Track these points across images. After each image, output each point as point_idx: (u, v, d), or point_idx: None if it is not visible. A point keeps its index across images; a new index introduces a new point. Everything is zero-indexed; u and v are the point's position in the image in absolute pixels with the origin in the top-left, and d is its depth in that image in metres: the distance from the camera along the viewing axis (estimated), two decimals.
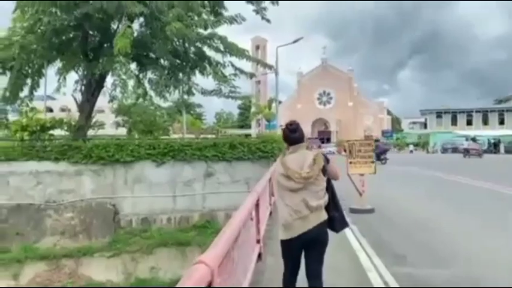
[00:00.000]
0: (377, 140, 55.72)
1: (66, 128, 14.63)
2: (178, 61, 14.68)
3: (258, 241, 4.28)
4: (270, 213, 6.91)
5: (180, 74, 15.09)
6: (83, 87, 14.69)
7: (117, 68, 10.70)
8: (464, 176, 17.55)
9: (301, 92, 78.24)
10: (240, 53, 13.53)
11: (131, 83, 11.22)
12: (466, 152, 38.37)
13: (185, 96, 15.81)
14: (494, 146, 44.75)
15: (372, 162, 8.66)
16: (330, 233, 3.35)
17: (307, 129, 72.07)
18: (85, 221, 12.57)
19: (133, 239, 12.52)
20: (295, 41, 24.58)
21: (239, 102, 64.42)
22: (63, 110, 53.08)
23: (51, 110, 51.44)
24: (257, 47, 73.47)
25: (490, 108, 65.54)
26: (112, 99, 11.92)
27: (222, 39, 13.32)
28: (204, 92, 14.50)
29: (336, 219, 3.31)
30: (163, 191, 13.17)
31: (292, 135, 3.33)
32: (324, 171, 3.23)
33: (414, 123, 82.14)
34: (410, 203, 11.14)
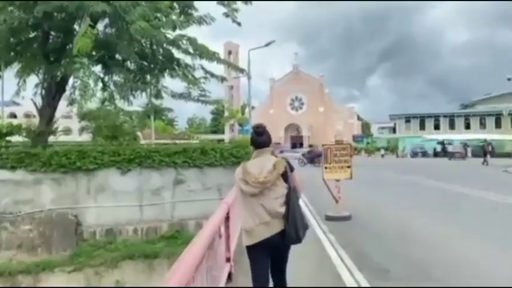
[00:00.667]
0: (311, 146, 56.38)
1: (25, 134, 13.73)
2: (145, 63, 14.05)
3: (228, 259, 3.80)
4: None
5: (148, 77, 14.46)
6: (43, 91, 13.82)
7: (77, 69, 9.97)
8: (440, 181, 17.53)
9: (273, 97, 78.40)
10: (210, 55, 13.04)
11: (94, 85, 10.45)
12: (451, 155, 42.19)
13: (154, 100, 15.19)
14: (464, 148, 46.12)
15: (348, 167, 8.32)
16: (310, 246, 2.98)
17: (280, 135, 72.15)
18: (44, 233, 11.71)
19: (97, 252, 11.73)
20: (267, 44, 24.30)
21: (212, 107, 63.64)
22: (27, 116, 50.84)
23: (15, 116, 49.12)
24: (229, 52, 72.93)
25: (457, 113, 67.41)
26: (71, 102, 11.14)
27: (192, 41, 12.80)
28: (173, 95, 13.90)
29: (287, 233, 3.10)
30: (129, 200, 12.46)
31: (259, 138, 3.30)
32: (286, 178, 3.16)
33: (383, 128, 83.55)
34: (388, 209, 10.89)
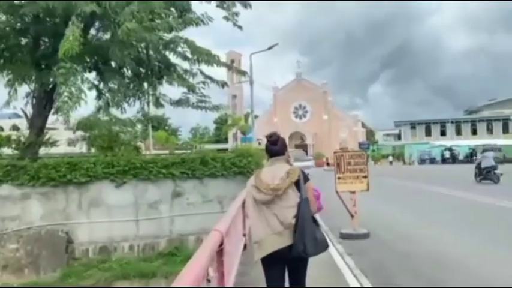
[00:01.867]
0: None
1: (14, 146, 12.93)
2: (142, 69, 13.29)
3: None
4: (245, 246, 5.51)
5: (145, 84, 13.68)
6: (34, 100, 13.05)
7: (62, 74, 9.16)
8: (458, 190, 16.27)
9: (277, 106, 77.68)
10: (209, 58, 12.23)
11: (79, 92, 9.61)
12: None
13: (155, 109, 14.41)
14: (470, 156, 44.94)
15: (365, 177, 7.40)
16: (324, 271, 2.28)
17: None
18: (32, 252, 10.84)
19: (89, 272, 10.81)
20: (269, 48, 23.56)
21: (215, 116, 62.83)
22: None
23: (17, 129, 48.33)
24: (232, 61, 72.39)
25: (463, 119, 66.50)
26: (57, 110, 10.34)
27: (189, 43, 12.01)
28: (172, 103, 13.09)
29: (293, 245, 2.94)
30: (124, 215, 11.59)
31: (273, 147, 3.27)
32: (299, 187, 3.05)
33: (388, 135, 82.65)
34: (409, 223, 9.70)
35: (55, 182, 11.08)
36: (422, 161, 51.45)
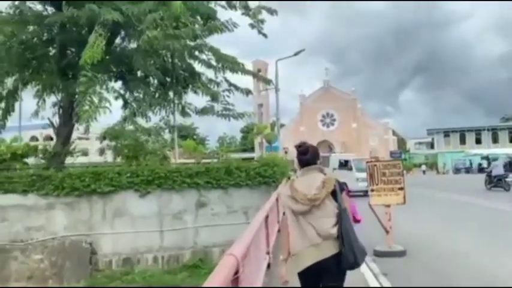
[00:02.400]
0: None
1: (41, 155, 13.00)
2: (167, 78, 13.17)
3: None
4: (268, 265, 5.05)
5: (171, 93, 13.54)
6: (60, 110, 13.13)
7: (82, 83, 9.05)
8: (504, 202, 15.16)
9: (303, 114, 76.84)
10: (235, 66, 11.95)
11: (113, 101, 9.53)
12: None
13: (180, 117, 14.26)
14: (509, 165, 42.66)
15: (401, 188, 6.80)
16: None
17: None
18: (56, 263, 10.74)
19: (113, 284, 10.61)
20: (296, 54, 23.14)
21: (242, 125, 62.70)
22: None
23: (51, 138, 49.67)
24: (258, 70, 72.51)
25: (500, 126, 63.76)
26: (77, 119, 10.27)
27: (214, 50, 11.77)
28: (197, 112, 12.87)
29: (343, 256, 2.88)
30: (148, 225, 11.35)
31: (303, 157, 3.21)
32: (335, 197, 3.00)
33: (420, 143, 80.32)
34: (451, 240, 8.87)
35: (79, 192, 10.97)
36: (457, 170, 49.42)
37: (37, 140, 49.66)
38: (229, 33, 12.03)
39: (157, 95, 12.49)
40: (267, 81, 12.88)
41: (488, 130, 62.54)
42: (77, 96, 12.22)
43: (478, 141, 62.45)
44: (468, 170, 48.55)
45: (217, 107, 12.35)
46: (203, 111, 12.56)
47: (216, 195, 11.87)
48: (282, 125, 68.78)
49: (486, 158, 48.28)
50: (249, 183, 11.91)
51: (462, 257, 7.14)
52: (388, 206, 6.91)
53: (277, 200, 7.75)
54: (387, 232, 6.91)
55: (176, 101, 13.09)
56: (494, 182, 20.43)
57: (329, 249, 2.90)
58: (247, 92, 12.78)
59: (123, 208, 11.34)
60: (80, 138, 13.43)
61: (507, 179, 20.16)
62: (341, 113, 75.39)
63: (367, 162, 7.13)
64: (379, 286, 3.88)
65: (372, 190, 6.88)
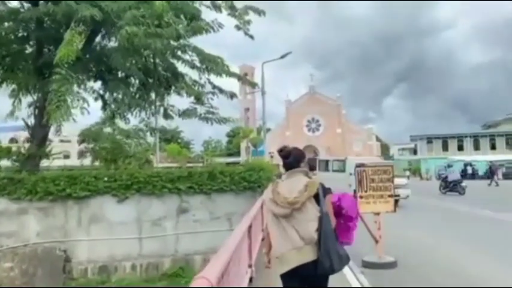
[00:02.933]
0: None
1: (14, 157, 12.38)
2: (149, 79, 12.72)
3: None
4: (250, 279, 4.68)
5: (152, 95, 13.09)
6: (36, 110, 12.54)
7: (56, 81, 8.55)
8: (489, 209, 15.09)
9: (289, 119, 76.97)
10: (219, 67, 11.57)
11: (92, 102, 9.03)
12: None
13: (163, 120, 13.80)
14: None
15: (391, 195, 6.50)
16: None
17: None
18: (27, 271, 10.15)
19: None
20: (282, 56, 22.83)
21: (228, 129, 62.14)
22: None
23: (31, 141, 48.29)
24: (245, 74, 72.36)
25: (481, 133, 64.71)
26: (47, 119, 9.72)
27: (198, 51, 11.38)
28: (179, 114, 12.44)
29: (319, 262, 2.86)
30: (126, 232, 10.87)
31: (285, 160, 3.24)
32: (318, 201, 2.99)
33: (403, 149, 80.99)
34: (443, 250, 8.56)
35: (53, 197, 10.43)
36: (440, 176, 49.74)
37: (16, 142, 48.32)
38: (216, 38, 11.73)
39: (137, 96, 12.00)
40: (253, 84, 12.51)
41: (470, 137, 63.44)
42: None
43: (460, 148, 63.29)
44: None
45: (201, 109, 11.96)
46: (185, 114, 12.13)
47: (198, 201, 11.46)
48: (268, 130, 68.70)
49: (469, 164, 48.78)
50: (234, 189, 11.55)
51: (461, 269, 6.78)
52: (378, 214, 6.60)
53: (262, 206, 7.53)
54: (377, 242, 6.59)
55: (158, 103, 12.65)
56: (450, 187, 22.28)
57: (310, 254, 2.89)
58: (232, 95, 12.41)
59: (99, 214, 10.83)
60: (62, 141, 12.85)
61: (462, 184, 21.94)
62: (326, 118, 75.82)
63: (357, 167, 6.77)
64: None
65: (361, 197, 6.52)
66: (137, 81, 12.92)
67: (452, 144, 64.16)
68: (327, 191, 3.09)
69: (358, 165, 6.62)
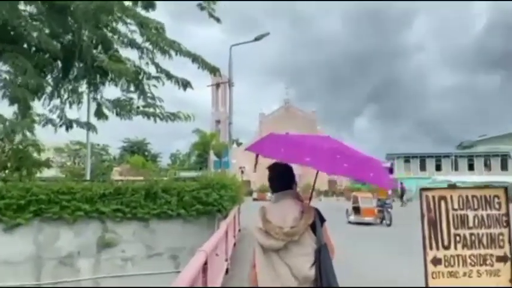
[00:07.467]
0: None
1: None
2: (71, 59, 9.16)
3: None
4: None
5: (84, 84, 9.55)
6: None
7: None
8: None
9: (263, 133, 74.02)
10: (167, 43, 8.25)
11: None
12: None
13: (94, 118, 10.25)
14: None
15: (504, 258, 3.17)
16: None
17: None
18: None
19: None
20: (256, 39, 19.58)
21: (194, 139, 58.15)
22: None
23: None
24: (217, 86, 69.60)
25: (459, 154, 63.83)
26: None
27: (139, 17, 8.03)
28: (107, 107, 8.97)
29: None
30: (16, 276, 7.31)
31: (275, 181, 2.65)
32: (314, 230, 2.46)
33: None
34: None
35: None
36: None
37: None
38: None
39: (51, 78, 8.47)
40: (214, 70, 9.27)
41: (448, 157, 62.54)
42: None
43: (438, 167, 62.14)
44: None
45: (138, 102, 8.55)
46: (116, 104, 8.68)
47: (130, 231, 8.08)
48: (239, 144, 65.57)
49: (453, 186, 46.87)
50: (182, 213, 8.25)
51: None
52: None
53: (226, 233, 5.86)
54: None
55: (85, 90, 9.14)
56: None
57: None
58: (185, 85, 8.98)
59: None
60: None
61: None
62: (301, 133, 73.81)
63: (422, 190, 3.55)
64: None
65: (436, 261, 3.12)
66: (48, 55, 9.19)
67: (431, 164, 63.06)
68: (323, 217, 2.54)
69: (425, 189, 3.30)
